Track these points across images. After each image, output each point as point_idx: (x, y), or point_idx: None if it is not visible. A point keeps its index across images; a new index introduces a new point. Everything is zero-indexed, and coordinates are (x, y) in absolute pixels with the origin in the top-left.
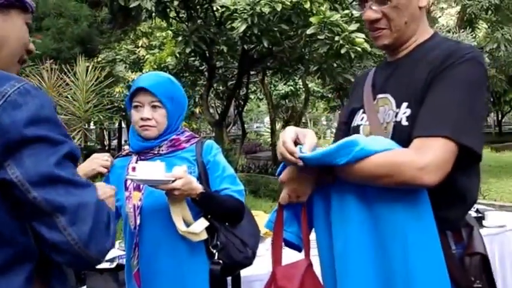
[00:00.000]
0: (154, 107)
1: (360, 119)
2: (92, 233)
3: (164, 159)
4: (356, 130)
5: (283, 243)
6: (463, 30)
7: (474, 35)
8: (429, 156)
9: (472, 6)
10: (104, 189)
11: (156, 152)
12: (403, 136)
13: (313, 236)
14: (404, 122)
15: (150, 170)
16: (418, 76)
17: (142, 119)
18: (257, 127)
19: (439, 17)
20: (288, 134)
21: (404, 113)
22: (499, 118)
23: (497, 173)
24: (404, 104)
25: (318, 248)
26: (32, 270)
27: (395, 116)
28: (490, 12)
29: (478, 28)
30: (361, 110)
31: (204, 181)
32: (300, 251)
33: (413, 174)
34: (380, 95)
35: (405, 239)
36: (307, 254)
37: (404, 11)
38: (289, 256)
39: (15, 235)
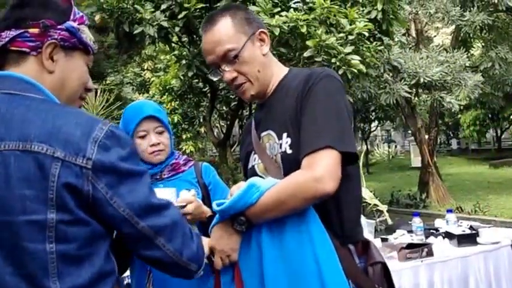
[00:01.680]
0: (159, 132)
1: (253, 160)
2: (183, 243)
3: (167, 183)
4: (252, 170)
5: None
6: (457, 50)
7: (469, 54)
8: (321, 167)
9: (466, 26)
10: None
11: (158, 177)
12: (291, 164)
13: None
14: (289, 151)
15: (163, 197)
16: (288, 106)
17: (152, 145)
18: (265, 134)
19: (434, 36)
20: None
21: (287, 142)
22: (498, 134)
23: (497, 189)
24: (285, 134)
25: None
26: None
27: (280, 147)
28: (484, 31)
29: (473, 47)
30: (253, 152)
31: (207, 201)
32: None
33: (314, 187)
34: (263, 133)
35: (311, 259)
36: None
37: (253, 62)
38: None
39: (103, 258)
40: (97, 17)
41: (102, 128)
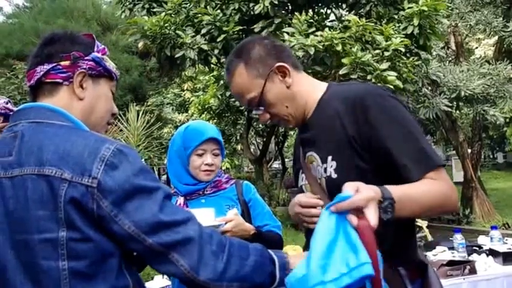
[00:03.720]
0: (215, 154)
1: (301, 179)
2: (201, 261)
3: (209, 199)
4: (301, 190)
5: None
6: (500, 61)
7: None
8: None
9: (510, 37)
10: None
11: (201, 193)
12: (337, 189)
13: None
14: (334, 175)
15: (201, 216)
16: (333, 129)
17: (207, 164)
18: (309, 154)
19: (476, 48)
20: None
21: (331, 166)
22: None
23: None
24: (329, 158)
25: None
26: None
27: (325, 171)
28: None
29: None
30: (301, 170)
31: (247, 218)
32: None
33: (456, 199)
34: (308, 153)
35: None
36: None
37: (278, 101)
38: None
39: (115, 274)
40: (140, 44)
41: (109, 147)
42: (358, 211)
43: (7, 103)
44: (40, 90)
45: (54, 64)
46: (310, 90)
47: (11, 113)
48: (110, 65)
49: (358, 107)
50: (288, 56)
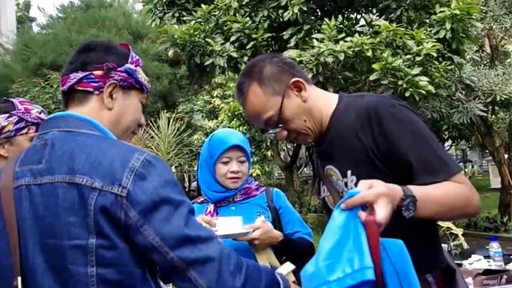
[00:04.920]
0: (241, 161)
1: (323, 190)
2: (219, 280)
3: (239, 206)
4: (324, 202)
5: None
6: None
7: None
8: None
9: None
10: None
11: (231, 200)
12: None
13: None
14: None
15: (230, 225)
16: (349, 143)
17: (233, 171)
18: (328, 168)
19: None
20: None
21: (352, 180)
22: None
23: None
24: (349, 172)
25: None
26: None
27: (346, 186)
28: None
29: None
30: (322, 182)
31: (278, 225)
32: None
33: (478, 203)
34: (326, 167)
35: None
36: None
37: (296, 116)
38: None
39: (141, 283)
40: (170, 52)
41: (138, 157)
42: (370, 208)
43: (40, 113)
44: (71, 97)
45: (87, 73)
46: (324, 102)
47: None
48: (142, 77)
49: (372, 118)
50: (299, 71)
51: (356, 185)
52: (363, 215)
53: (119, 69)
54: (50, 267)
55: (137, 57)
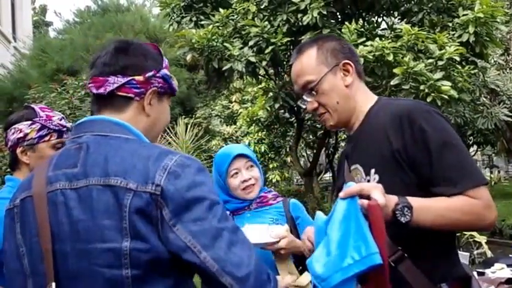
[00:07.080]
0: (249, 168)
1: None
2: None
3: (254, 213)
4: None
5: None
6: None
7: None
8: (488, 200)
9: None
10: None
11: (246, 208)
12: None
13: None
14: None
15: (257, 233)
16: (378, 142)
17: (244, 181)
18: (354, 168)
19: None
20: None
21: (374, 179)
22: None
23: None
24: (372, 171)
25: None
26: None
27: None
28: None
29: None
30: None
31: (294, 234)
32: None
33: (490, 218)
34: (352, 167)
35: None
36: None
37: (332, 94)
38: None
39: (174, 284)
40: (188, 57)
41: (172, 158)
42: (368, 199)
43: (61, 119)
44: (109, 101)
45: (129, 78)
46: (362, 97)
47: (64, 129)
48: (175, 82)
49: (405, 120)
50: (357, 61)
51: (378, 183)
52: (365, 202)
53: (157, 75)
54: (83, 270)
55: (166, 60)
